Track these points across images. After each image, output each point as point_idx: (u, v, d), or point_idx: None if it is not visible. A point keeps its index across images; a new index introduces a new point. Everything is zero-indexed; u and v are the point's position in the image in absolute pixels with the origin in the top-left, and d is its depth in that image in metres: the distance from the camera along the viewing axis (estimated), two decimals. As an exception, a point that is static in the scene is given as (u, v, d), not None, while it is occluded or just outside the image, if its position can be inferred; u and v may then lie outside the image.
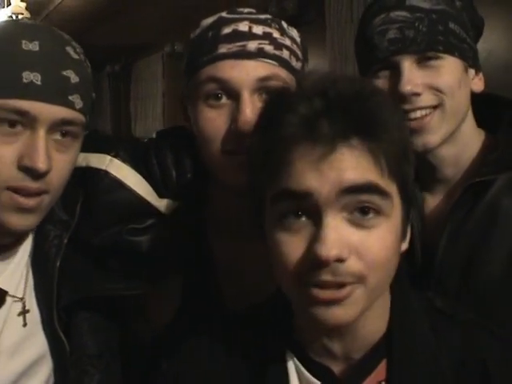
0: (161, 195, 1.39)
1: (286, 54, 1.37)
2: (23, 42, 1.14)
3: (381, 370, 1.04)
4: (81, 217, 1.30)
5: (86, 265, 1.30)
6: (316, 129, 0.94)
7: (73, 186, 1.26)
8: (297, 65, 1.40)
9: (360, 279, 0.96)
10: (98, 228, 1.33)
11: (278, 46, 1.35)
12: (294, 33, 1.43)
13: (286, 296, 1.04)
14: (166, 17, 7.96)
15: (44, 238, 1.26)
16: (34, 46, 1.14)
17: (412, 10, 1.37)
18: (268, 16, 1.40)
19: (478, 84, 1.47)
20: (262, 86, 1.32)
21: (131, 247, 1.33)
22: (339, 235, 0.93)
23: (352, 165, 0.93)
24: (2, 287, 1.22)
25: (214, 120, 1.32)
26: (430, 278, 1.37)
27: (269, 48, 1.34)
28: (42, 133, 1.14)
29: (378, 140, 0.95)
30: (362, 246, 0.95)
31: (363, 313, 0.99)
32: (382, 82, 1.40)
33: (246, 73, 1.32)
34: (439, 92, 1.38)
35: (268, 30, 1.36)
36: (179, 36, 9.28)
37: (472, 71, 1.46)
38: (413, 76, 1.36)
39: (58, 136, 1.18)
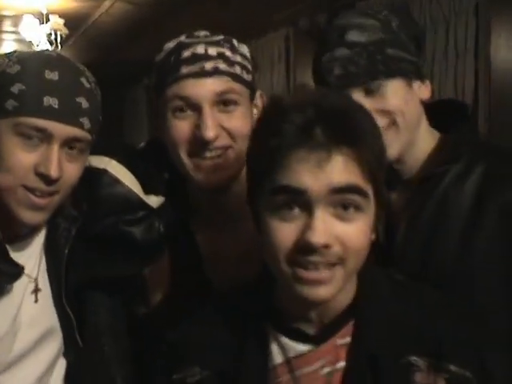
0: (146, 192, 1.57)
1: (237, 69, 1.54)
2: (46, 71, 1.37)
3: (348, 329, 1.21)
4: (89, 210, 1.51)
5: (91, 252, 1.50)
6: (312, 137, 1.10)
7: (81, 186, 1.47)
8: (248, 77, 1.58)
9: (342, 260, 1.12)
10: (98, 218, 1.51)
11: (231, 63, 1.53)
12: (244, 49, 1.61)
13: (269, 274, 1.20)
14: (202, 28, 9.13)
15: (55, 229, 1.48)
16: (54, 76, 1.36)
17: (351, 46, 1.48)
18: (221, 37, 1.58)
19: (424, 92, 1.55)
20: (220, 99, 1.51)
21: (126, 236, 1.50)
22: (327, 226, 1.10)
23: (341, 169, 1.10)
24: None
25: (181, 128, 1.51)
26: (391, 265, 1.48)
27: (223, 66, 1.52)
28: (56, 147, 1.35)
29: (362, 149, 1.11)
30: (345, 236, 1.11)
31: (340, 290, 1.17)
32: None
33: (205, 89, 1.50)
34: (389, 113, 1.49)
35: (221, 50, 1.53)
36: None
37: (417, 83, 1.56)
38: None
39: (68, 149, 1.40)
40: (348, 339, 1.22)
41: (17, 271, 1.41)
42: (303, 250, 1.12)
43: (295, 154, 1.12)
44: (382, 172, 1.18)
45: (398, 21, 1.54)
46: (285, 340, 1.23)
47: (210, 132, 1.48)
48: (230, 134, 1.52)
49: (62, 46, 8.33)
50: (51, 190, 1.38)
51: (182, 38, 1.58)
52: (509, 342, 1.45)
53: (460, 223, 1.48)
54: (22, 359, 1.45)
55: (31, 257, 1.48)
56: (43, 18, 7.77)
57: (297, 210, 1.14)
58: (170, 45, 1.59)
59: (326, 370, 1.21)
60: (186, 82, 1.52)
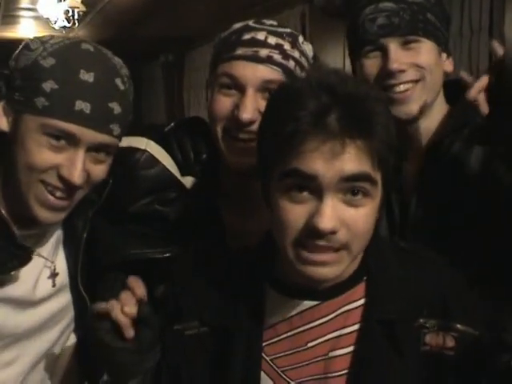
0: (182, 174, 1.63)
1: (291, 64, 1.57)
2: (81, 71, 1.31)
3: (356, 293, 1.26)
4: (120, 192, 1.51)
5: (123, 234, 1.53)
6: (326, 126, 1.11)
7: (113, 166, 1.45)
8: (301, 74, 1.59)
9: (346, 246, 1.16)
10: (134, 198, 1.56)
11: (286, 56, 1.56)
12: (308, 47, 1.64)
13: (272, 245, 1.25)
14: (218, 7, 8.34)
15: (72, 213, 1.45)
16: (89, 77, 1.31)
17: (397, 2, 1.59)
18: (287, 30, 1.62)
19: (448, 65, 1.70)
20: (265, 87, 1.54)
21: (160, 216, 1.56)
22: (335, 212, 1.13)
23: (354, 158, 1.12)
24: (41, 253, 1.45)
25: (223, 103, 1.56)
26: (406, 231, 1.60)
27: (277, 57, 1.55)
28: (81, 152, 1.32)
29: (374, 139, 1.14)
30: (351, 220, 1.15)
31: (345, 268, 1.21)
32: (371, 61, 1.63)
33: (253, 74, 1.54)
34: (420, 68, 1.60)
35: (281, 41, 1.57)
36: (230, 26, 8.61)
37: (444, 55, 1.68)
38: (398, 56, 1.58)
39: (93, 152, 1.36)
40: (356, 304, 1.26)
41: (27, 254, 1.41)
42: (311, 233, 1.15)
43: (310, 141, 1.14)
44: (391, 158, 1.21)
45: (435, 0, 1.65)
46: (286, 298, 1.28)
47: (247, 114, 1.52)
48: None
49: (79, 24, 8.39)
50: (72, 194, 1.37)
51: (250, 22, 1.62)
52: None
53: (472, 185, 1.55)
54: (34, 333, 1.48)
55: (49, 241, 1.50)
56: (61, -4, 7.88)
57: (306, 193, 1.16)
58: (237, 25, 1.64)
59: (331, 335, 1.25)
60: (238, 62, 1.56)
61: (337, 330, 1.25)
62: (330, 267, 1.17)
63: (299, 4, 7.50)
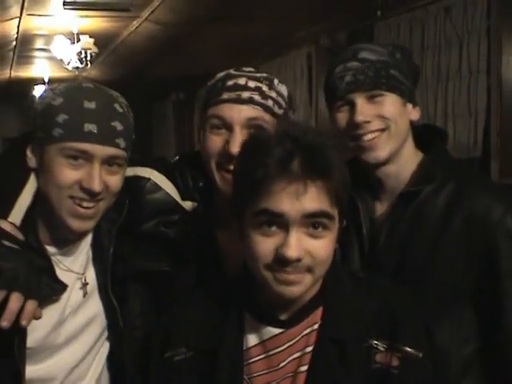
0: (183, 199, 1.86)
1: (270, 102, 1.78)
2: (85, 101, 1.56)
3: (315, 317, 1.42)
4: (129, 213, 1.74)
5: (132, 248, 1.75)
6: (290, 170, 1.29)
7: (122, 193, 1.69)
8: (279, 111, 1.80)
9: (310, 270, 1.34)
10: (142, 220, 1.78)
11: (265, 96, 1.77)
12: (283, 88, 1.85)
13: (249, 273, 1.41)
14: (229, 48, 8.61)
15: (99, 231, 1.71)
16: (92, 105, 1.56)
17: (362, 61, 1.75)
18: (263, 75, 1.82)
19: (414, 114, 1.83)
20: (250, 124, 1.75)
21: (165, 236, 1.79)
22: (299, 243, 1.31)
23: (314, 198, 1.30)
24: (72, 268, 1.68)
25: (214, 142, 1.77)
26: (374, 264, 1.78)
27: (257, 98, 1.76)
28: (97, 165, 1.56)
29: (332, 180, 1.32)
30: (314, 250, 1.32)
31: (309, 289, 1.38)
32: (342, 114, 1.79)
33: (238, 113, 1.75)
34: (385, 119, 1.76)
35: (259, 84, 1.78)
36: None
37: (410, 105, 1.81)
38: (364, 109, 1.72)
39: (108, 166, 1.59)
40: (316, 326, 1.43)
41: (61, 288, 1.63)
42: (279, 261, 1.32)
43: (276, 183, 1.31)
44: (345, 198, 1.39)
45: (401, 55, 1.82)
46: (260, 325, 1.44)
47: (236, 148, 1.68)
48: None
49: (91, 64, 8.61)
50: (96, 201, 1.59)
51: (232, 71, 1.83)
52: (459, 324, 1.70)
53: (430, 232, 1.72)
54: (69, 342, 1.68)
55: (78, 257, 1.71)
56: (74, 38, 8.11)
57: (274, 228, 1.33)
58: (221, 74, 1.84)
59: (297, 354, 1.42)
60: (224, 105, 1.77)
61: (300, 350, 1.42)
62: (297, 286, 1.35)
63: (306, 45, 7.73)
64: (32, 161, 1.63)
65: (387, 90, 1.76)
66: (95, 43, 8.17)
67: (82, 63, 8.33)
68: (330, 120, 1.86)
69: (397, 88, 1.77)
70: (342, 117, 1.79)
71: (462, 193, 1.72)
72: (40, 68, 11.67)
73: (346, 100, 1.78)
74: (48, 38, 8.60)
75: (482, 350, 1.70)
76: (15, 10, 7.19)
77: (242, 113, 1.75)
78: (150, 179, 1.81)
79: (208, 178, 1.84)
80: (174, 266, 1.81)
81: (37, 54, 10.27)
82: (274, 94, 1.80)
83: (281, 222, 1.32)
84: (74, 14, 7.47)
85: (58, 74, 11.37)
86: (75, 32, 8.02)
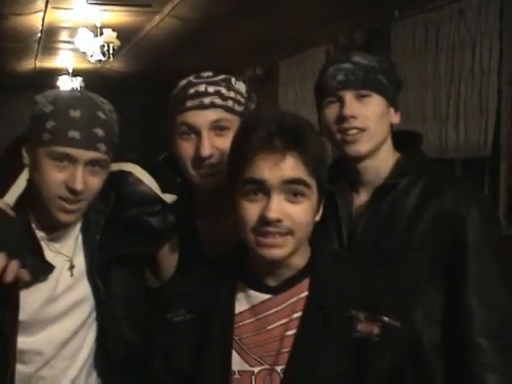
0: (163, 191, 2.02)
1: (230, 103, 1.94)
2: (71, 110, 1.75)
3: (303, 287, 1.60)
4: (115, 204, 1.95)
5: (118, 235, 1.94)
6: (272, 144, 1.50)
7: (108, 186, 1.87)
8: (239, 108, 1.97)
9: (290, 232, 1.52)
10: (125, 209, 1.95)
11: (225, 98, 1.94)
12: (241, 86, 2.03)
13: (242, 245, 1.60)
14: (249, 44, 8.72)
15: (88, 220, 1.91)
16: (76, 114, 1.75)
17: (354, 64, 1.94)
18: (221, 77, 1.98)
19: (395, 118, 2.01)
20: (215, 126, 1.92)
21: (145, 224, 1.97)
22: (279, 206, 1.50)
23: (292, 167, 1.50)
24: (61, 251, 1.88)
25: (186, 148, 1.94)
26: (352, 251, 1.94)
27: (218, 101, 1.92)
28: (80, 167, 1.75)
29: (308, 153, 1.52)
30: (293, 213, 1.51)
31: (292, 254, 1.56)
32: (331, 110, 1.95)
33: (203, 118, 1.91)
34: (367, 119, 1.93)
35: (218, 88, 1.94)
36: (260, 61, 9.01)
37: (392, 109, 1.99)
38: (352, 105, 1.91)
39: (90, 167, 1.78)
40: (302, 295, 1.60)
41: (49, 268, 1.83)
42: (262, 222, 1.51)
43: (259, 155, 1.51)
44: (323, 169, 1.59)
45: (388, 66, 2.00)
46: (251, 291, 1.62)
47: (206, 150, 1.90)
48: (222, 153, 1.90)
49: (113, 57, 8.76)
50: (78, 199, 1.78)
51: (191, 78, 1.99)
52: (429, 310, 1.84)
53: (404, 222, 1.90)
54: (60, 318, 1.87)
55: (68, 242, 1.90)
56: (97, 31, 8.28)
57: (260, 195, 1.53)
58: (183, 82, 2.00)
59: (284, 320, 1.59)
60: (189, 112, 1.93)
61: (288, 316, 1.60)
62: (279, 249, 1.53)
63: (324, 43, 7.82)
64: (26, 159, 1.82)
65: (374, 91, 1.93)
66: (118, 36, 8.31)
67: (104, 56, 8.49)
68: (319, 116, 2.02)
69: (382, 91, 1.94)
70: (332, 112, 1.95)
71: (433, 188, 1.90)
72: (64, 59, 11.84)
73: (336, 96, 1.93)
74: (72, 30, 8.78)
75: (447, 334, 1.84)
76: (40, 4, 7.38)
77: (206, 117, 1.91)
78: (131, 173, 1.98)
79: (183, 174, 2.01)
80: (156, 248, 2.03)
81: (61, 45, 10.45)
82: (232, 94, 1.96)
83: (264, 189, 1.52)
84: (97, 8, 7.65)
85: (82, 64, 11.55)
86: (98, 25, 8.20)
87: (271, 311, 1.60)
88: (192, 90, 1.94)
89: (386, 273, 1.72)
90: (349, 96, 1.92)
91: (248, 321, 1.62)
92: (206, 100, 1.92)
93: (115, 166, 1.92)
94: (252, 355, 1.60)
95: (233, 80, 2.01)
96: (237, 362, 1.60)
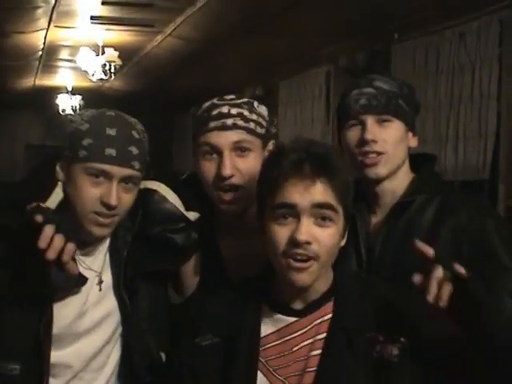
0: (187, 209, 2.07)
1: (252, 125, 2.00)
2: (107, 129, 1.83)
3: (326, 310, 1.66)
4: (141, 222, 2.00)
5: (144, 251, 2.00)
6: (302, 170, 1.58)
7: (135, 204, 1.92)
8: (261, 131, 2.02)
9: (317, 257, 1.58)
10: (150, 227, 2.01)
11: (247, 120, 1.99)
12: (262, 109, 2.07)
13: (269, 268, 1.66)
14: (248, 62, 8.77)
15: (116, 237, 1.97)
16: (113, 132, 1.82)
17: (376, 89, 2.00)
18: (244, 100, 2.04)
19: (413, 142, 2.09)
20: (236, 147, 1.97)
21: (170, 241, 2.02)
22: (308, 229, 1.57)
23: (321, 192, 1.58)
24: (91, 266, 1.94)
25: (208, 167, 1.99)
26: (371, 268, 2.00)
27: (240, 123, 1.97)
28: (115, 183, 1.82)
29: (337, 179, 1.60)
30: (321, 237, 1.58)
31: (317, 279, 1.62)
32: (353, 133, 2.02)
33: (226, 139, 1.96)
34: (386, 143, 1.99)
35: (240, 110, 1.99)
36: (260, 81, 9.13)
37: (410, 133, 2.07)
38: (373, 129, 1.98)
39: (124, 184, 1.85)
40: (326, 317, 1.65)
41: (83, 280, 1.89)
42: (293, 244, 1.57)
43: (290, 180, 1.58)
44: (349, 196, 1.66)
45: (407, 90, 2.06)
46: (277, 315, 1.68)
47: (227, 170, 1.94)
48: (243, 174, 1.97)
49: (115, 75, 8.81)
50: (112, 214, 1.84)
51: (215, 100, 2.04)
52: None
53: (422, 239, 1.83)
54: (89, 332, 1.92)
55: (97, 258, 1.96)
56: (99, 50, 8.35)
57: (290, 219, 1.59)
58: (207, 104, 2.05)
59: (308, 341, 1.64)
60: (212, 133, 1.98)
61: (312, 337, 1.65)
62: (307, 274, 1.59)
63: (325, 64, 7.88)
64: (60, 175, 1.88)
65: (394, 116, 1.99)
66: (119, 55, 8.37)
67: (106, 75, 8.54)
68: (339, 137, 2.07)
69: (402, 116, 2.00)
70: (353, 135, 2.01)
71: (448, 205, 1.95)
72: (63, 77, 11.89)
73: (358, 119, 2.00)
74: (73, 49, 8.86)
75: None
76: (43, 22, 7.43)
77: (228, 138, 1.96)
78: (157, 191, 2.03)
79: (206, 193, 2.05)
80: (179, 264, 2.07)
81: (61, 63, 10.52)
82: (254, 117, 2.01)
83: (294, 213, 1.58)
84: (99, 27, 7.70)
85: (81, 83, 11.59)
86: (100, 44, 8.25)
87: (297, 333, 1.66)
88: (215, 112, 1.99)
89: (404, 289, 1.73)
90: (370, 120, 1.98)
91: (274, 343, 1.68)
92: (229, 121, 1.97)
93: (141, 184, 1.97)
94: (278, 376, 1.65)
95: (255, 103, 2.06)
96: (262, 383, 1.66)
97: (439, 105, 5.65)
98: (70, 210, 1.86)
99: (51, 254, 1.65)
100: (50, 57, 9.77)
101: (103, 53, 8.35)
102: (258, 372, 1.65)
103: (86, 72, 8.73)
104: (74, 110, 13.07)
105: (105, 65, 8.42)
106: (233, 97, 2.05)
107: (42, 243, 1.64)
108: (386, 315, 1.64)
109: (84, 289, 1.89)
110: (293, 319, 1.67)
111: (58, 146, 1.94)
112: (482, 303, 1.58)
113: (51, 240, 1.65)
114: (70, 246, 1.68)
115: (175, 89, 11.36)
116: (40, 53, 9.34)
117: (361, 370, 1.59)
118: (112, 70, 8.45)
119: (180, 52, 8.57)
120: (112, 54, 8.30)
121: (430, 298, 1.50)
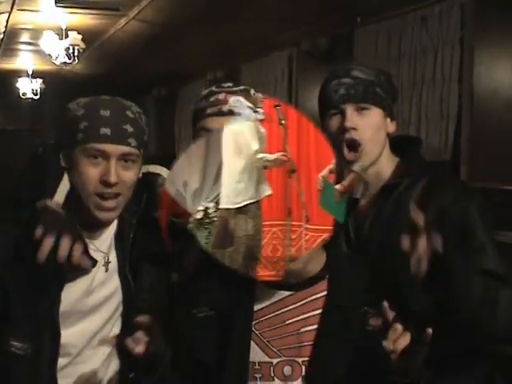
0: None
1: (247, 111, 1.99)
2: (101, 110, 1.89)
3: (320, 287, 1.75)
4: (146, 205, 2.09)
5: (148, 233, 2.05)
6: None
7: (141, 188, 2.02)
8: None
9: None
10: (155, 209, 2.03)
11: (242, 106, 1.99)
12: (259, 96, 2.09)
13: None
14: (212, 47, 8.82)
15: (122, 221, 2.05)
16: (107, 113, 1.89)
17: (354, 78, 2.11)
18: (240, 88, 2.14)
19: (391, 127, 2.17)
20: None
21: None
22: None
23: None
24: (99, 248, 2.01)
25: None
26: (360, 251, 2.08)
27: (236, 109, 2.00)
28: (113, 161, 1.87)
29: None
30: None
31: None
32: (334, 121, 2.12)
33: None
34: (369, 129, 2.09)
35: (236, 97, 2.08)
36: (221, 64, 9.11)
37: (388, 119, 2.16)
38: (353, 117, 2.08)
39: (123, 162, 1.91)
40: (320, 294, 1.74)
41: (93, 263, 1.95)
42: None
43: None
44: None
45: (384, 78, 2.16)
46: (271, 290, 1.76)
47: None
48: None
49: (78, 59, 8.77)
50: (114, 192, 1.90)
51: (213, 88, 2.16)
52: None
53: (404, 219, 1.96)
54: (93, 312, 1.99)
55: (105, 240, 2.03)
56: (62, 34, 8.28)
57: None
58: (205, 91, 2.17)
59: (303, 316, 1.73)
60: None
61: (306, 313, 1.74)
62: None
63: (287, 47, 7.94)
64: (63, 162, 1.95)
65: (372, 104, 2.09)
66: (83, 39, 8.33)
67: (69, 58, 8.50)
68: (321, 126, 2.11)
69: (380, 103, 2.11)
70: (334, 123, 2.11)
71: (434, 186, 2.03)
72: (24, 61, 11.77)
73: (338, 108, 2.10)
74: (36, 32, 8.75)
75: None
76: (5, 6, 7.37)
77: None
78: (160, 175, 2.12)
79: None
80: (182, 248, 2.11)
81: (22, 47, 10.43)
82: (250, 103, 2.07)
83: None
84: (63, 11, 7.64)
85: (42, 66, 11.51)
86: (64, 28, 8.20)
87: (290, 307, 1.75)
88: (212, 98, 2.10)
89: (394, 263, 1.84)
90: (350, 109, 2.09)
91: (267, 316, 1.75)
92: (225, 107, 2.07)
93: (143, 169, 2.04)
94: (271, 347, 1.74)
95: (252, 91, 2.15)
96: (257, 354, 1.74)
97: (401, 88, 5.73)
98: (76, 196, 1.92)
99: (60, 259, 1.77)
100: (11, 40, 9.70)
101: (67, 36, 8.28)
102: (254, 344, 1.74)
103: (49, 56, 8.66)
104: (35, 94, 12.98)
105: (68, 48, 8.36)
106: (230, 84, 2.15)
107: (41, 258, 1.75)
108: (375, 292, 1.73)
109: (92, 269, 1.96)
110: (286, 293, 1.74)
111: (18, 129, 1.99)
112: (453, 278, 1.75)
113: (58, 247, 1.76)
114: (77, 248, 1.77)
115: (138, 72, 11.34)
116: (1, 36, 9.25)
117: (355, 341, 1.68)
118: (76, 54, 8.40)
119: (143, 35, 8.57)
120: (76, 38, 8.25)
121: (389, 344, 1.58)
